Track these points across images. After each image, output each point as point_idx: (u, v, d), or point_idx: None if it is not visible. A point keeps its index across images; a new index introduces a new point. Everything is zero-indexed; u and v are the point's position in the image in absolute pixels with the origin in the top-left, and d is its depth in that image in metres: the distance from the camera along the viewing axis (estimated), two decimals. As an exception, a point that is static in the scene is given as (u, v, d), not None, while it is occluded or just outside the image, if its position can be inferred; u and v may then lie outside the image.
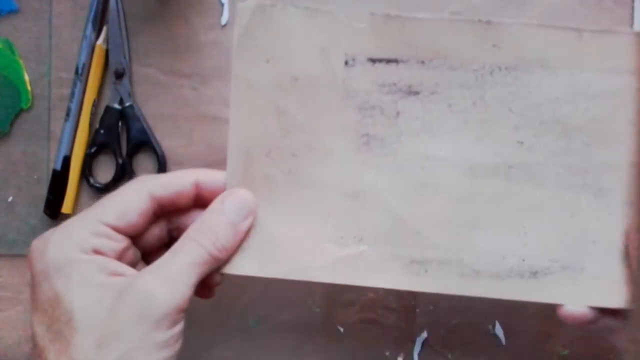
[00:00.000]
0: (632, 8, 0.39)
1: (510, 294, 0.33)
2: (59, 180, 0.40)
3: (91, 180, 0.41)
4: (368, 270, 0.33)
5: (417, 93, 0.33)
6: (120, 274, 0.30)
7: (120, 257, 0.31)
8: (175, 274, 0.30)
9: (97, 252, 0.30)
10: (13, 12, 0.41)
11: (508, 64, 0.33)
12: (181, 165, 0.41)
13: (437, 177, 0.33)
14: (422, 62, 0.33)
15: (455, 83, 0.33)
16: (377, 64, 0.33)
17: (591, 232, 0.33)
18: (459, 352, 0.39)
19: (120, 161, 0.41)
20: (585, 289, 0.32)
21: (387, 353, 0.40)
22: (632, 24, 0.39)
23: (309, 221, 0.33)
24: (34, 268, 0.30)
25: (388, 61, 0.33)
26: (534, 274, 0.33)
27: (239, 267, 0.32)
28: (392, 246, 0.33)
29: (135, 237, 0.32)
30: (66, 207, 0.40)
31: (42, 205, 0.40)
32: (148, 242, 0.33)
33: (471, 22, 0.33)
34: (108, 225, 0.31)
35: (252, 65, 0.33)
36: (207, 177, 0.33)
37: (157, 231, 0.33)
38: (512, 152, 0.33)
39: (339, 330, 0.40)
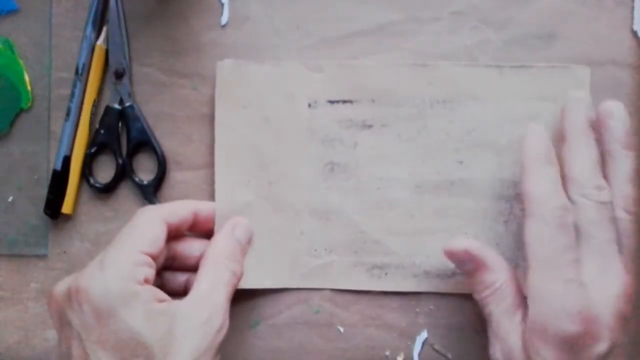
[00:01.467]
0: (632, 8, 0.39)
1: (455, 289, 0.39)
2: (59, 180, 0.40)
3: (91, 180, 0.41)
4: (339, 276, 0.39)
5: (370, 126, 0.39)
6: (163, 300, 0.32)
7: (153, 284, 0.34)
8: (212, 296, 0.34)
9: (147, 281, 0.32)
10: (13, 12, 0.41)
11: (444, 97, 0.39)
12: (181, 165, 0.41)
13: (391, 194, 0.39)
14: (372, 101, 0.39)
15: (401, 116, 0.39)
16: (335, 104, 0.39)
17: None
18: (459, 352, 0.39)
19: (120, 161, 0.41)
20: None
21: (387, 353, 0.40)
22: (632, 24, 0.39)
23: (287, 238, 0.39)
24: (97, 305, 0.31)
25: (344, 102, 0.39)
26: None
27: None
28: (356, 255, 0.39)
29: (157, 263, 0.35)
30: (66, 207, 0.40)
31: (42, 205, 0.40)
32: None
33: (409, 65, 0.39)
34: (146, 254, 0.33)
35: (231, 111, 0.39)
36: (203, 207, 0.38)
37: (161, 258, 0.36)
38: (453, 171, 0.39)
39: (339, 330, 0.40)
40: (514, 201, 0.39)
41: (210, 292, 0.34)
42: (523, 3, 0.40)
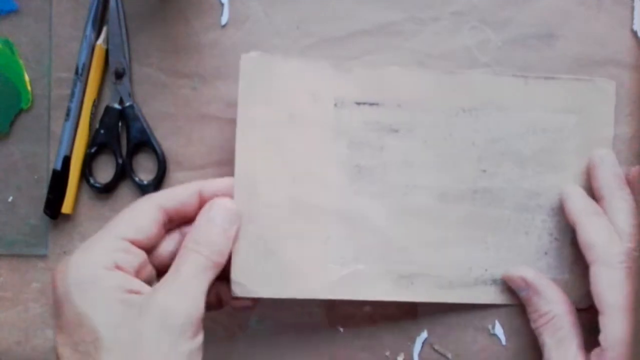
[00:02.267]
0: (632, 8, 0.39)
1: (478, 299, 0.39)
2: (59, 180, 0.40)
3: (91, 180, 0.41)
4: (365, 286, 0.38)
5: (397, 131, 0.38)
6: (137, 292, 0.31)
7: (137, 273, 0.32)
8: (186, 285, 0.31)
9: (118, 267, 0.31)
10: (13, 12, 0.41)
11: (469, 106, 0.38)
12: (181, 165, 0.41)
13: (416, 202, 0.38)
14: (399, 105, 0.38)
15: (428, 123, 0.38)
16: (362, 106, 0.38)
17: (544, 245, 0.39)
18: (459, 352, 0.39)
19: (120, 161, 0.41)
20: None
21: (387, 353, 0.40)
22: (632, 24, 0.39)
23: (312, 244, 0.37)
24: (56, 290, 0.30)
25: (371, 104, 0.38)
26: (495, 281, 0.39)
27: (253, 291, 0.36)
28: (383, 263, 0.38)
29: (150, 250, 0.33)
30: (66, 207, 0.40)
31: (42, 205, 0.40)
32: (162, 259, 0.34)
33: (436, 72, 0.38)
34: (126, 239, 0.32)
35: (255, 106, 0.37)
36: (209, 185, 0.35)
37: (170, 247, 0.35)
38: (476, 179, 0.38)
39: (339, 330, 0.40)
40: (535, 212, 0.38)
41: (182, 281, 0.31)
42: (523, 3, 0.40)
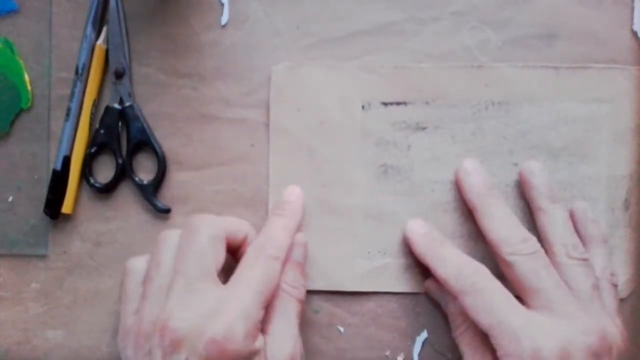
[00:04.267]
0: (632, 8, 0.39)
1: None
2: (59, 180, 0.40)
3: (91, 180, 0.41)
4: (392, 279, 0.39)
5: (424, 128, 0.39)
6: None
7: None
8: (292, 330, 0.34)
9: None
10: (13, 12, 0.41)
11: (499, 99, 0.39)
12: (181, 165, 0.41)
13: (445, 197, 0.39)
14: (427, 103, 0.39)
15: (456, 118, 0.39)
16: (389, 107, 0.39)
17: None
18: (459, 352, 0.39)
19: (120, 161, 0.41)
20: None
21: (387, 353, 0.40)
22: (632, 24, 0.39)
23: (340, 241, 0.39)
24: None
25: (398, 103, 0.39)
26: None
27: None
28: (410, 257, 0.39)
29: None
30: (66, 207, 0.40)
31: (42, 205, 0.40)
32: None
33: (465, 67, 0.39)
34: (264, 308, 0.34)
35: (286, 115, 0.39)
36: (300, 220, 0.38)
37: None
38: (508, 173, 0.39)
39: (339, 330, 0.40)
40: (570, 203, 0.38)
41: (286, 328, 0.34)
42: (523, 3, 0.40)
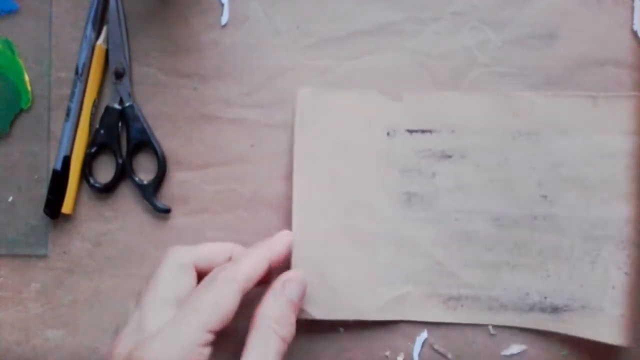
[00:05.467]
0: (632, 8, 0.39)
1: (532, 324, 0.38)
2: (59, 180, 0.40)
3: (91, 180, 0.41)
4: (414, 307, 0.38)
5: (449, 156, 0.38)
6: None
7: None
8: None
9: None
10: (13, 12, 0.41)
11: (528, 129, 0.37)
12: (181, 165, 0.41)
13: (469, 227, 0.38)
14: (452, 131, 0.38)
15: (481, 147, 0.38)
16: (414, 134, 0.38)
17: (611, 279, 0.37)
18: (459, 352, 0.39)
19: (120, 161, 0.41)
20: (602, 327, 0.37)
21: (387, 353, 0.40)
22: (632, 24, 0.39)
23: (363, 269, 0.38)
24: None
25: (423, 131, 0.38)
26: (555, 309, 0.37)
27: (307, 313, 0.38)
28: (432, 286, 0.38)
29: None
30: (66, 207, 0.40)
31: (42, 205, 0.40)
32: None
33: (492, 95, 0.38)
34: (211, 332, 0.31)
35: (311, 140, 0.39)
36: (277, 252, 0.36)
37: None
38: (535, 205, 0.37)
39: (339, 330, 0.40)
40: (602, 243, 0.37)
41: None
42: (523, 3, 0.40)
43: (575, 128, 0.37)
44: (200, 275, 0.34)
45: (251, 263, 0.34)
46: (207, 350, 0.31)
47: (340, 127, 0.38)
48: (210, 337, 0.31)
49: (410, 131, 0.38)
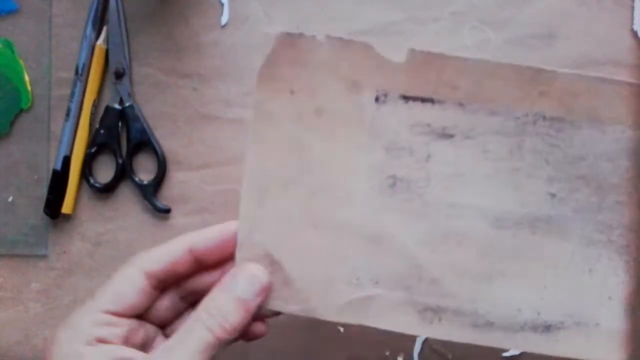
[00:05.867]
0: (632, 8, 0.39)
1: (522, 346, 0.32)
2: (59, 180, 0.40)
3: (91, 180, 0.41)
4: (380, 313, 0.32)
5: (451, 136, 0.32)
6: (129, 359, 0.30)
7: (127, 340, 0.31)
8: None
9: (101, 341, 0.30)
10: (13, 12, 0.41)
11: (554, 114, 0.31)
12: (181, 165, 0.41)
13: (462, 227, 0.32)
14: (461, 105, 0.31)
15: (493, 129, 0.32)
16: (411, 103, 0.31)
17: (608, 289, 0.33)
18: (459, 352, 0.39)
19: (120, 161, 0.41)
20: (597, 345, 0.32)
21: (387, 353, 0.40)
22: (632, 24, 0.39)
23: (325, 262, 0.32)
24: None
25: (423, 100, 0.31)
26: (547, 327, 0.32)
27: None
28: (407, 292, 0.32)
29: (140, 314, 0.32)
30: (66, 207, 0.40)
31: (42, 205, 0.40)
32: (161, 316, 0.33)
33: (520, 67, 0.31)
34: (107, 312, 0.30)
35: (275, 96, 0.31)
36: (200, 239, 0.32)
37: (166, 303, 0.33)
38: (541, 204, 0.32)
39: (339, 330, 0.40)
40: (603, 248, 0.32)
41: (180, 356, 0.29)
42: (523, 3, 0.40)
43: (612, 119, 0.31)
44: (166, 276, 0.32)
45: (164, 247, 0.32)
46: (99, 331, 0.30)
47: (315, 85, 0.31)
48: (101, 317, 0.30)
49: (406, 98, 0.31)
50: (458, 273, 0.32)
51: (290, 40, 0.31)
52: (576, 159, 0.32)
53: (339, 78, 0.31)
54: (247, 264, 0.31)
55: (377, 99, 0.31)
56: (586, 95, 0.31)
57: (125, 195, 0.41)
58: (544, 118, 0.32)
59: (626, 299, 0.32)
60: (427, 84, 0.31)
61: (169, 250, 0.32)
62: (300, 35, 0.31)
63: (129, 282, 0.31)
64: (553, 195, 0.32)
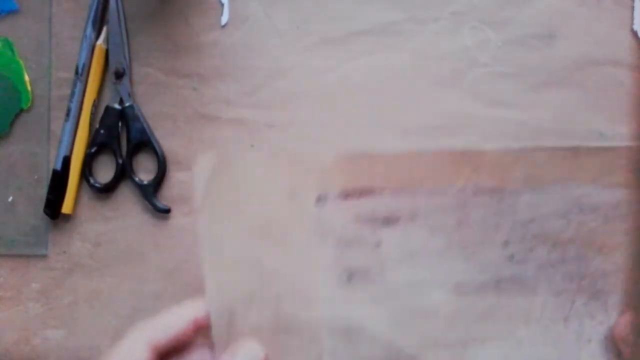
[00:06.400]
0: (632, 8, 0.39)
1: None
2: (59, 180, 0.40)
3: (91, 180, 0.41)
4: None
5: (396, 221, 0.32)
6: None
7: None
8: None
9: None
10: (13, 12, 0.41)
11: (491, 185, 0.32)
12: (181, 165, 0.40)
13: (425, 300, 0.32)
14: (398, 191, 0.32)
15: (435, 208, 0.32)
16: (350, 198, 0.32)
17: (586, 332, 0.33)
18: (459, 352, 0.39)
19: (120, 161, 0.41)
20: None
21: (387, 353, 0.40)
22: (632, 24, 0.39)
23: None
24: None
25: (362, 193, 0.32)
26: None
27: None
28: None
29: None
30: (66, 207, 0.40)
31: (42, 205, 0.40)
32: None
33: (445, 153, 0.32)
34: None
35: (220, 219, 0.32)
36: (204, 312, 0.32)
37: None
38: (501, 267, 0.32)
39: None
40: (576, 295, 0.32)
41: None
42: (523, 3, 0.40)
43: (550, 182, 0.32)
44: (169, 349, 0.32)
45: (168, 317, 0.32)
46: None
47: (257, 198, 0.32)
48: None
49: (345, 194, 0.32)
50: (433, 345, 0.32)
51: (224, 162, 0.32)
52: (525, 222, 0.32)
53: (278, 189, 0.32)
54: (244, 342, 0.32)
55: (318, 201, 0.33)
56: (518, 164, 0.32)
57: (125, 195, 0.41)
58: (482, 191, 0.32)
59: (607, 338, 0.32)
60: (362, 178, 0.32)
61: (176, 323, 0.32)
62: (233, 155, 0.33)
63: (136, 351, 0.31)
64: (511, 257, 0.33)
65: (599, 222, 0.32)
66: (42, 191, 0.41)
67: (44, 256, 0.41)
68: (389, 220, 0.32)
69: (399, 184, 0.32)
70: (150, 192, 0.40)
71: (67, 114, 0.40)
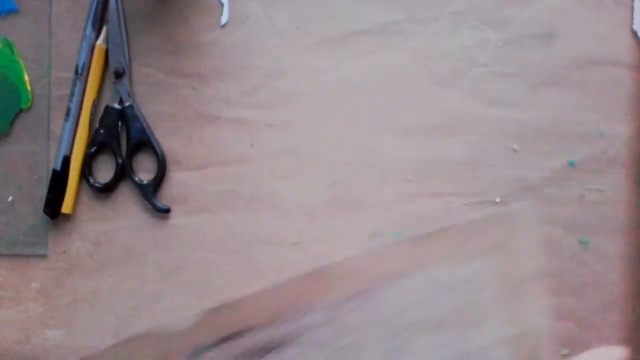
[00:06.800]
0: (632, 8, 0.39)
1: None
2: (59, 180, 0.40)
3: (91, 180, 0.41)
4: None
5: (268, 351, 0.32)
6: None
7: None
8: None
9: None
10: (13, 12, 0.41)
11: (351, 294, 0.32)
12: (181, 165, 0.41)
13: None
14: (261, 327, 0.32)
15: (305, 328, 0.32)
16: (224, 342, 0.32)
17: None
18: (459, 352, 0.40)
19: (120, 161, 0.41)
20: None
21: (387, 353, 0.40)
22: (632, 24, 0.39)
23: None
24: None
25: (233, 337, 0.32)
26: None
27: None
28: None
29: None
30: (66, 207, 0.40)
31: (42, 205, 0.40)
32: None
33: (304, 276, 0.32)
34: None
35: None
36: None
37: None
38: None
39: (339, 330, 0.40)
40: None
41: None
42: (523, 3, 0.40)
43: (407, 273, 0.32)
44: None
45: None
46: None
47: None
48: None
49: (220, 342, 0.32)
50: None
51: None
52: (399, 313, 0.32)
53: None
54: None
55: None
56: (372, 268, 0.32)
57: (125, 195, 0.41)
58: (349, 298, 0.32)
59: None
60: (230, 326, 0.32)
61: None
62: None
63: None
64: (397, 350, 0.32)
65: (467, 296, 0.32)
66: (42, 191, 0.41)
67: (44, 256, 0.41)
68: (268, 349, 0.32)
69: (259, 321, 0.32)
70: (150, 192, 0.40)
71: (67, 114, 0.40)
